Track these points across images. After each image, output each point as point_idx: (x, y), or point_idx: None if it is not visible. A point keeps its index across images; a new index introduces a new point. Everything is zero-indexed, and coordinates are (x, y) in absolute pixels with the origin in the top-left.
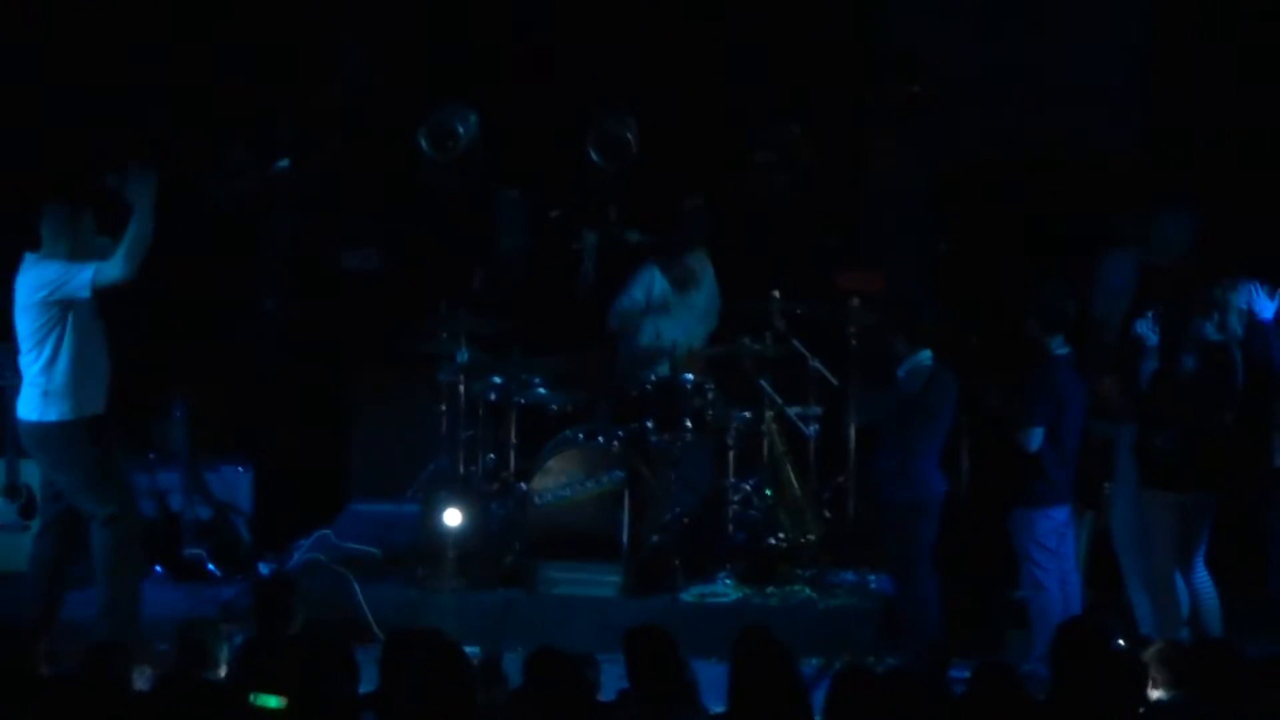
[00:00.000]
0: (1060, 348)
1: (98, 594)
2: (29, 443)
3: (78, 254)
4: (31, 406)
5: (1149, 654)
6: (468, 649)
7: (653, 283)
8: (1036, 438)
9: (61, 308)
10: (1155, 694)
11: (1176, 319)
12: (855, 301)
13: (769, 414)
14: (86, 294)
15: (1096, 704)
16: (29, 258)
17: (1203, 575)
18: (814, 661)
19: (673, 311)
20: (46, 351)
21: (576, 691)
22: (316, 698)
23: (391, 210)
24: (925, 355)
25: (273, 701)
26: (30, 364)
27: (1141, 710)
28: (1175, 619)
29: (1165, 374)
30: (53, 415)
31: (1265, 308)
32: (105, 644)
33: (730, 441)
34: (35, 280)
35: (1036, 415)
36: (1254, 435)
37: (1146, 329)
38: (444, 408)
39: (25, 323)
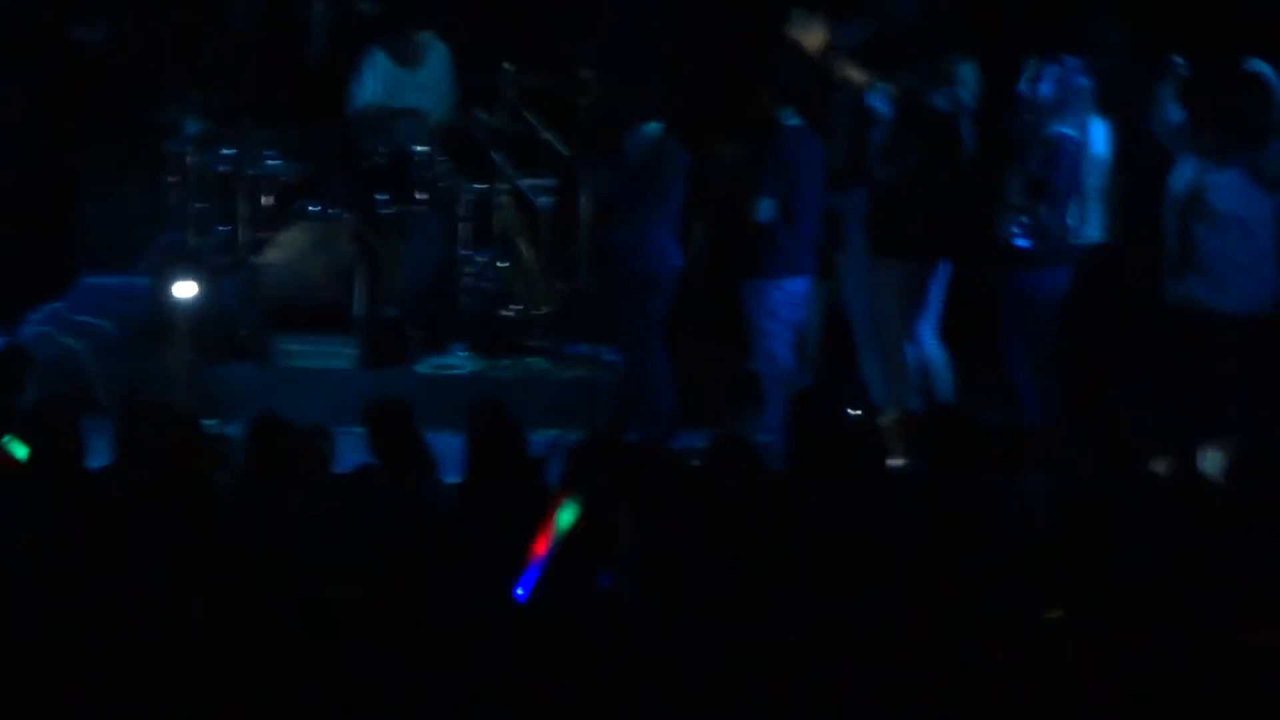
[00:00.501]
0: (791, 119)
1: None
2: None
3: None
4: None
5: (882, 421)
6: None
7: (378, 64)
8: (766, 209)
9: None
10: (891, 462)
11: (909, 92)
12: (586, 72)
13: (502, 186)
14: None
15: (834, 472)
16: None
17: (933, 343)
18: (550, 433)
19: (401, 90)
20: None
21: (307, 462)
22: (43, 469)
23: None
24: (653, 126)
25: (20, 450)
26: None
27: (877, 477)
28: (906, 388)
29: (893, 146)
30: None
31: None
32: None
33: (463, 213)
34: None
35: (766, 186)
36: (986, 207)
37: (878, 101)
38: (174, 180)
39: None
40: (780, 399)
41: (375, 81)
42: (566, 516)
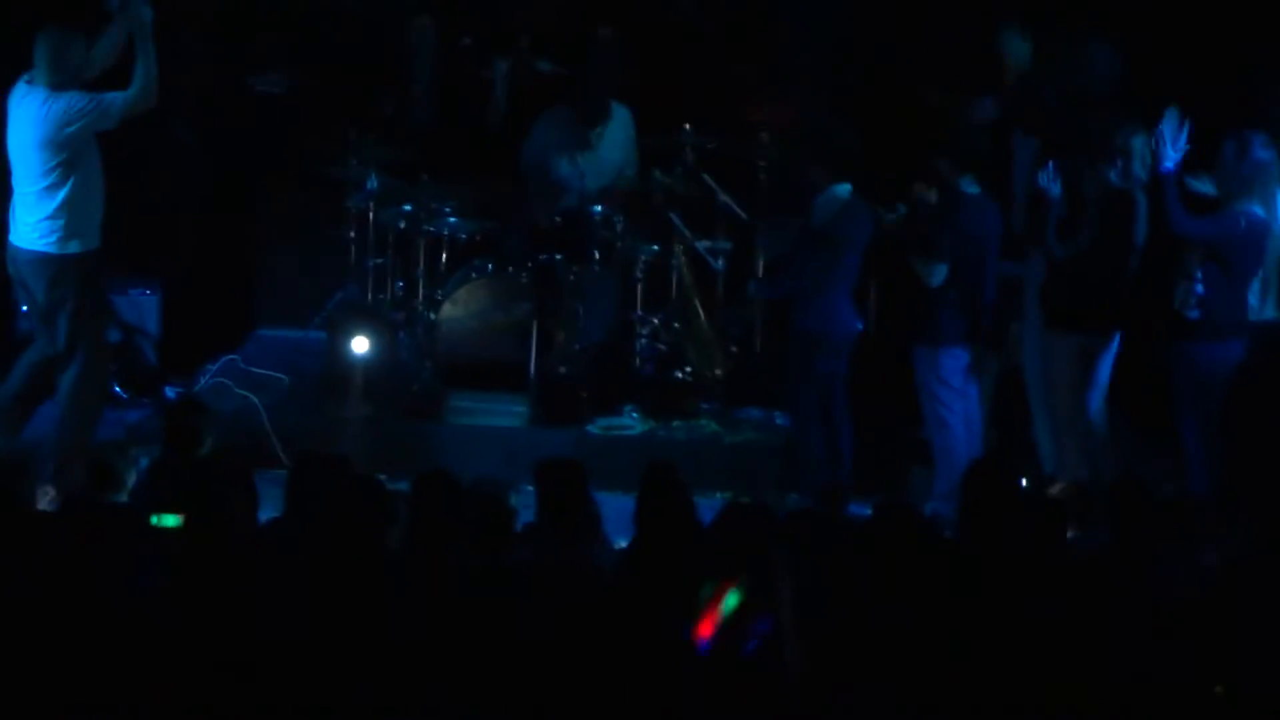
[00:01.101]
0: (970, 186)
1: (59, 422)
2: (31, 272)
3: (72, 81)
4: (43, 238)
5: (1055, 492)
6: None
7: (559, 121)
8: (939, 273)
9: (85, 140)
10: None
11: (1078, 167)
12: (765, 135)
13: (678, 248)
14: (114, 124)
15: (1009, 543)
16: (25, 88)
17: (1101, 416)
18: (719, 496)
19: (581, 151)
20: (66, 184)
21: (478, 519)
22: (212, 520)
23: (302, 34)
24: (843, 188)
25: (171, 520)
26: (43, 197)
27: (1056, 549)
28: (1078, 459)
29: (1068, 219)
30: (71, 249)
31: (1168, 157)
32: (6, 465)
33: (639, 275)
34: (61, 113)
35: (940, 252)
36: (1159, 280)
37: (1048, 181)
38: (353, 235)
39: (42, 156)
40: (950, 467)
41: (555, 141)
42: (731, 601)
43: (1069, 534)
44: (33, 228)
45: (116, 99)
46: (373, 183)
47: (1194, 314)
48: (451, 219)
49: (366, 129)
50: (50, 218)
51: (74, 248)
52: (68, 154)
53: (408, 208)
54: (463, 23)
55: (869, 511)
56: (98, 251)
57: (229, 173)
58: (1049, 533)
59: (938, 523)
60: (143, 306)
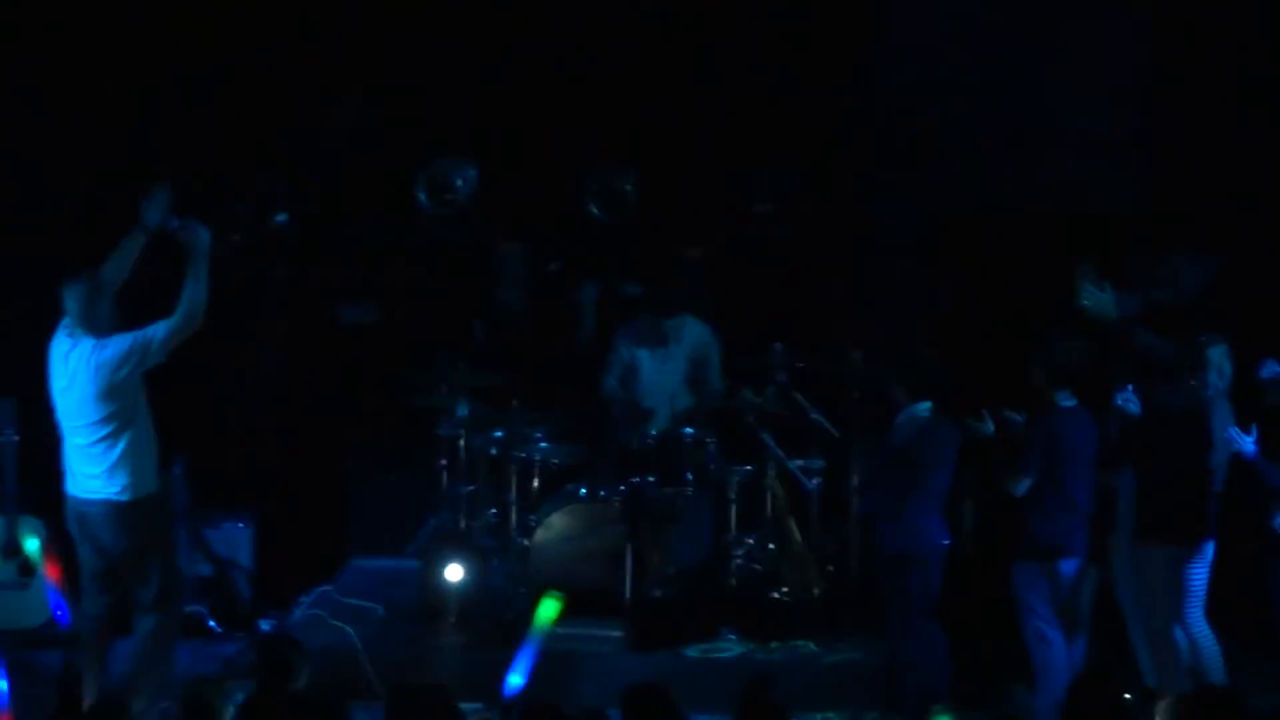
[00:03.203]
0: (1067, 400)
1: (132, 664)
2: (100, 524)
3: (109, 325)
4: (103, 487)
5: (1160, 708)
6: (470, 706)
7: (624, 348)
8: (1023, 486)
9: (135, 383)
10: None
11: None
12: (856, 354)
13: (771, 467)
14: (162, 358)
15: None
16: (68, 340)
17: (1202, 627)
18: (819, 717)
19: (651, 374)
20: (124, 434)
21: None
22: None
23: (390, 263)
24: (923, 406)
25: None
26: (102, 447)
27: None
28: (1176, 672)
29: (1149, 432)
30: (129, 495)
31: (1245, 442)
32: (102, 703)
33: (732, 495)
34: (110, 360)
35: (1027, 465)
36: (1252, 491)
37: (1126, 401)
38: (444, 462)
39: (98, 407)
40: (1052, 684)
41: (624, 365)
42: None
43: None
44: (96, 478)
45: (159, 331)
46: (463, 409)
47: None
48: (543, 444)
49: (456, 355)
50: (113, 468)
51: (141, 492)
52: (121, 401)
53: (499, 434)
54: (551, 247)
55: None
56: (159, 494)
57: (320, 401)
58: None
59: None
60: (236, 539)
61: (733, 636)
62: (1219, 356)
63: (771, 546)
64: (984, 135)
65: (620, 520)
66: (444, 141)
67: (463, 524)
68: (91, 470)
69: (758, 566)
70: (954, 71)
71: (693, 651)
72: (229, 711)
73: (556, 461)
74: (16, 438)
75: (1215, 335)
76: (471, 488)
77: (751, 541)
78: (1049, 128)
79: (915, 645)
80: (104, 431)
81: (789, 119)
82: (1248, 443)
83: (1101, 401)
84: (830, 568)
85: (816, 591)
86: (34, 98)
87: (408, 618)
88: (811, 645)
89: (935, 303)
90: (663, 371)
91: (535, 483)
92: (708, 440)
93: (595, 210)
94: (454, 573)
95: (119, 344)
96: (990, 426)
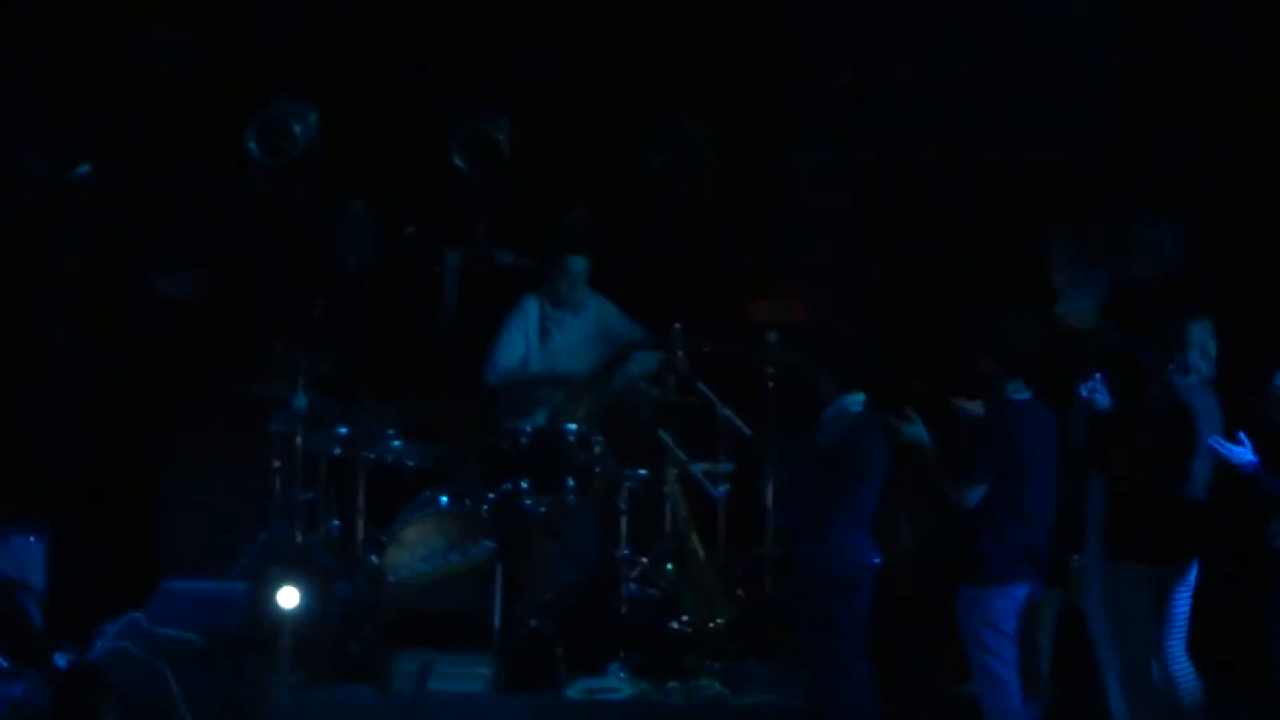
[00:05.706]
0: (1019, 393)
1: None
2: None
3: None
4: None
5: None
6: None
7: (532, 316)
8: (974, 495)
9: None
10: None
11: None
12: (773, 336)
13: (671, 472)
14: None
15: None
16: None
17: (1183, 663)
18: None
19: (554, 353)
20: None
21: None
22: None
23: (214, 226)
24: (855, 399)
25: None
26: None
27: None
28: (1154, 712)
29: (1122, 429)
30: None
31: (1237, 452)
32: None
33: (623, 505)
34: None
35: (981, 470)
36: (1248, 508)
37: (1093, 393)
38: (278, 464)
39: None
40: None
41: (525, 339)
42: None
43: None
44: None
45: None
46: (301, 401)
47: None
48: (396, 443)
49: (292, 338)
50: None
51: None
52: None
53: (343, 431)
54: (405, 207)
55: None
56: None
57: (127, 392)
58: None
59: None
60: (25, 555)
61: (623, 675)
62: (1201, 334)
63: (670, 567)
64: (930, 80)
65: (488, 534)
66: (279, 81)
67: (299, 538)
68: None
69: (653, 591)
70: (889, 11)
71: (574, 692)
72: None
73: (412, 463)
74: None
75: (1196, 310)
76: (310, 495)
77: (646, 561)
78: (1006, 72)
79: (840, 684)
80: None
81: (694, 56)
82: (1241, 452)
83: (1063, 394)
84: (740, 592)
85: (723, 621)
86: None
87: (232, 650)
88: (717, 685)
89: (868, 276)
90: (572, 348)
91: (387, 489)
92: (594, 439)
93: (460, 162)
94: (288, 597)
95: None
96: (918, 428)
